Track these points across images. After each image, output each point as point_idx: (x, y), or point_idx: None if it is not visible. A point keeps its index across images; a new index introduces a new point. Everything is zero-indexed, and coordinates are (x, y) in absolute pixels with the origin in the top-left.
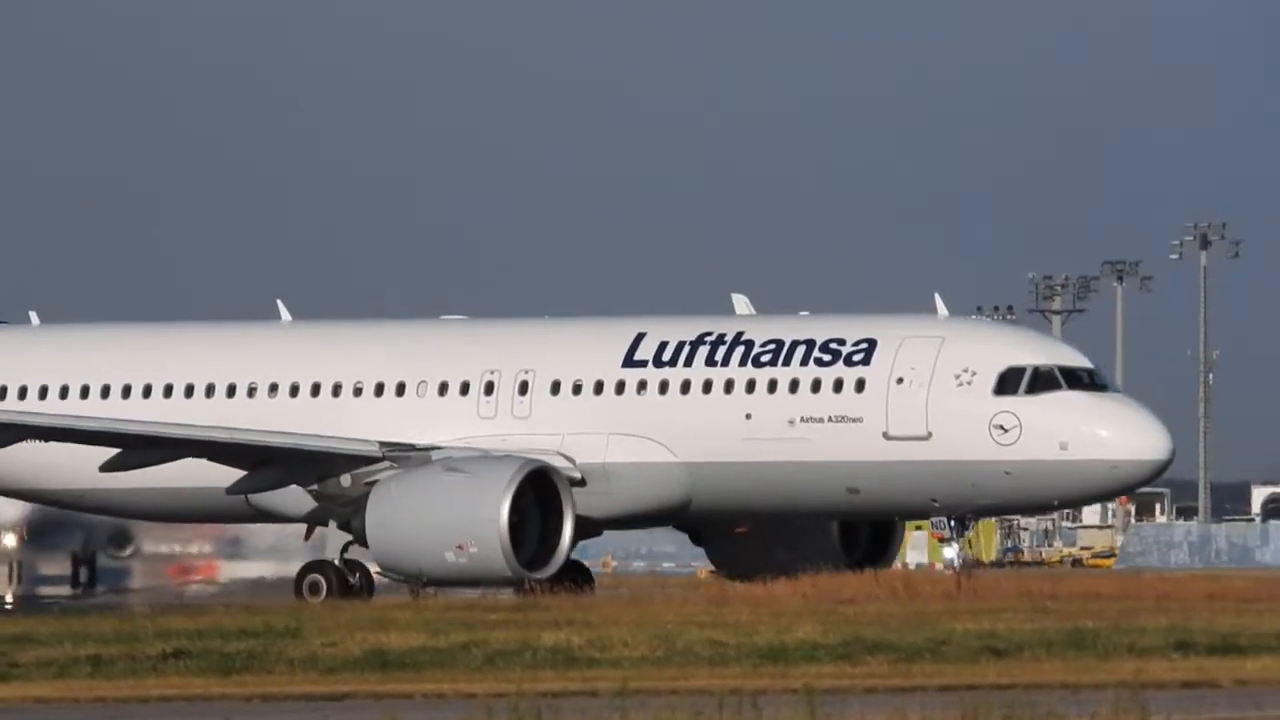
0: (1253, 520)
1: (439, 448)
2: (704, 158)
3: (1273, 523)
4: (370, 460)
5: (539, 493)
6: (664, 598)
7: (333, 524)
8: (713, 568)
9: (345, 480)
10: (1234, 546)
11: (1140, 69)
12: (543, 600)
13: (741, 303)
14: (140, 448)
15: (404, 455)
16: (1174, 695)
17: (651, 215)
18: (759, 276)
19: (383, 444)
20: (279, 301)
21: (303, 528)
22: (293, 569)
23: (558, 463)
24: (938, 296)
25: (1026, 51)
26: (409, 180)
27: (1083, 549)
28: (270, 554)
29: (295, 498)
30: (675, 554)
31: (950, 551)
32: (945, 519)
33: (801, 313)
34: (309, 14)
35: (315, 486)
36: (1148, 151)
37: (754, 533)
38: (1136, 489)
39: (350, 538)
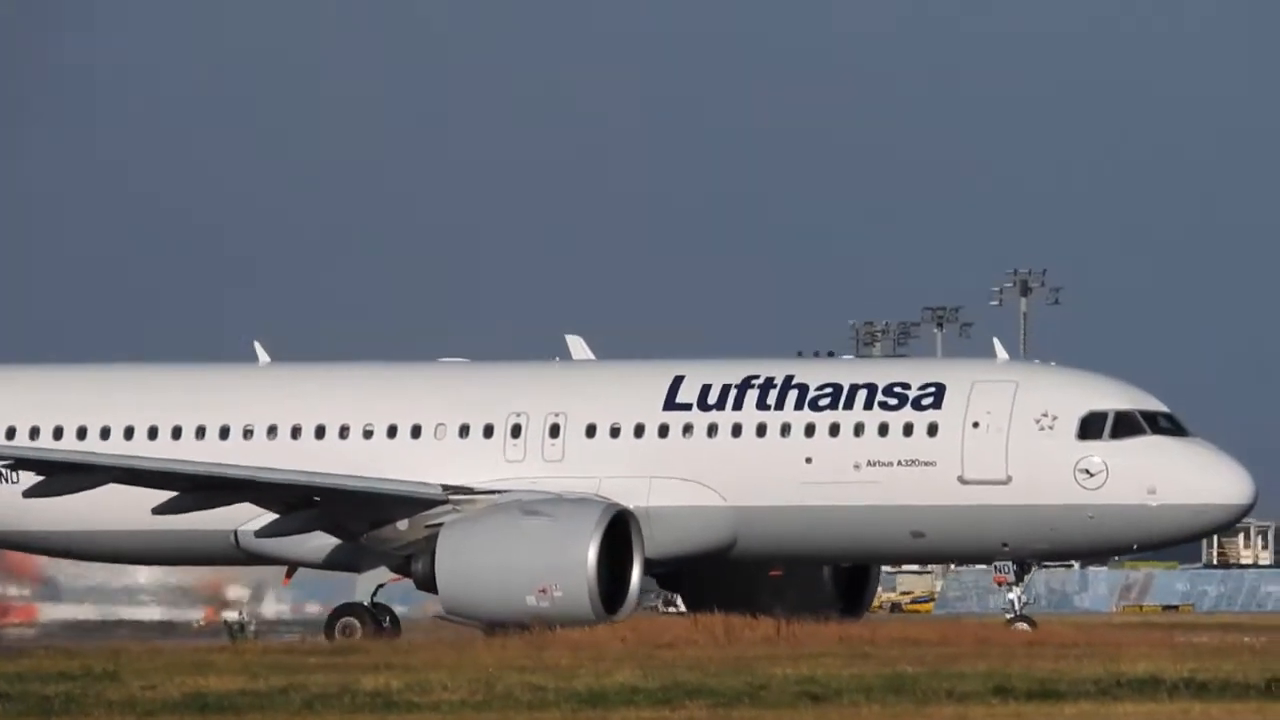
0: (1071, 566)
1: (504, 491)
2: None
3: (1091, 569)
4: (432, 503)
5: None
6: (484, 642)
7: (370, 568)
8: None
9: (403, 524)
10: (1053, 592)
11: (959, 116)
12: (362, 644)
13: (577, 344)
14: (200, 489)
15: (468, 499)
16: None
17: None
18: (591, 319)
19: (446, 487)
20: (256, 344)
21: (137, 570)
22: (115, 612)
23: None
24: (996, 341)
25: (843, 98)
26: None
27: (902, 594)
28: (89, 595)
29: (317, 541)
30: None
31: (1013, 595)
32: (1009, 563)
33: (845, 356)
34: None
35: (367, 529)
36: (968, 199)
37: (742, 575)
38: (1220, 531)
39: (383, 581)
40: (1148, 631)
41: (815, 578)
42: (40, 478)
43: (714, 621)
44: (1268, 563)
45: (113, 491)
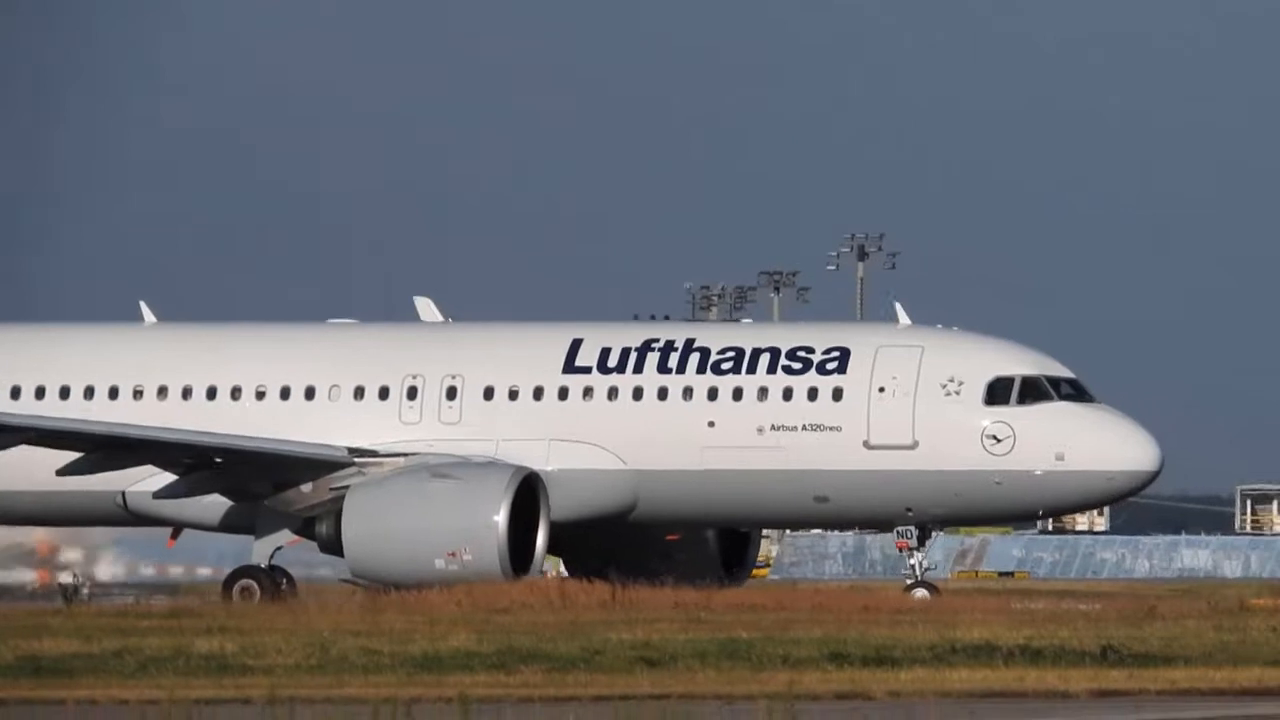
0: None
1: (411, 454)
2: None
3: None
4: (338, 466)
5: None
6: (319, 605)
7: (266, 530)
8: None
9: (307, 487)
10: (888, 558)
11: (796, 81)
12: (198, 607)
13: (426, 306)
14: (105, 449)
15: (374, 462)
16: (827, 707)
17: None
18: (442, 282)
19: (351, 450)
20: (142, 303)
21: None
22: None
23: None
24: (898, 305)
25: (679, 63)
26: None
27: None
28: None
29: (209, 503)
30: (332, 561)
31: (914, 560)
32: (910, 529)
33: (744, 320)
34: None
35: (270, 491)
36: (804, 163)
37: (622, 539)
38: (1126, 499)
39: (279, 545)
40: (983, 598)
41: (701, 542)
42: None
43: (549, 585)
44: (1103, 529)
45: None
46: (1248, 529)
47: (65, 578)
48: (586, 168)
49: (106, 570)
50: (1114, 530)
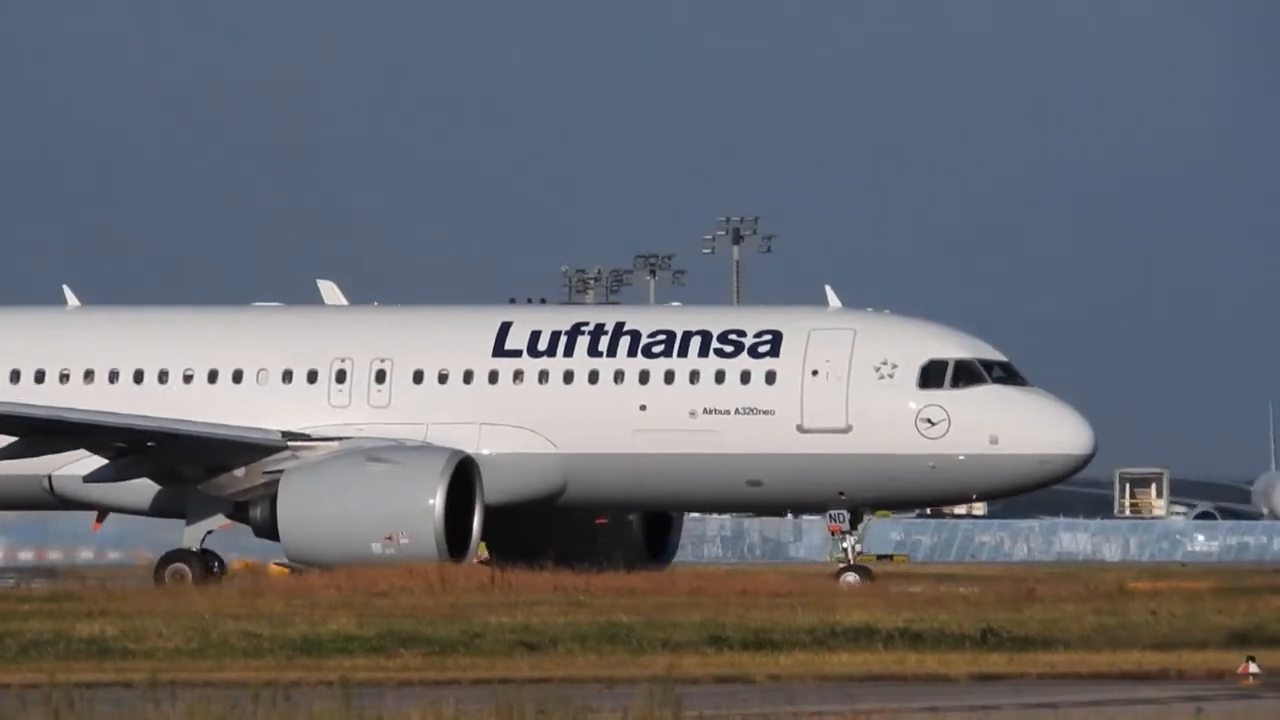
0: (785, 515)
1: (345, 438)
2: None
3: (805, 518)
4: (272, 450)
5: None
6: (198, 589)
7: (198, 514)
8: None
9: (240, 471)
10: (767, 541)
11: (672, 63)
12: (77, 590)
13: (330, 290)
14: (39, 433)
15: (307, 446)
16: (707, 690)
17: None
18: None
19: (285, 434)
20: (65, 287)
21: None
22: None
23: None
24: (829, 288)
25: (557, 43)
26: None
27: None
28: None
29: (138, 487)
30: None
31: (846, 544)
32: (843, 512)
33: (673, 303)
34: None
35: (203, 475)
36: (680, 145)
37: (549, 523)
38: (1059, 483)
39: (210, 529)
40: (862, 581)
41: (625, 525)
42: None
43: (428, 569)
44: (981, 513)
45: None
46: (1127, 512)
47: None
48: (459, 149)
49: None
50: (992, 514)
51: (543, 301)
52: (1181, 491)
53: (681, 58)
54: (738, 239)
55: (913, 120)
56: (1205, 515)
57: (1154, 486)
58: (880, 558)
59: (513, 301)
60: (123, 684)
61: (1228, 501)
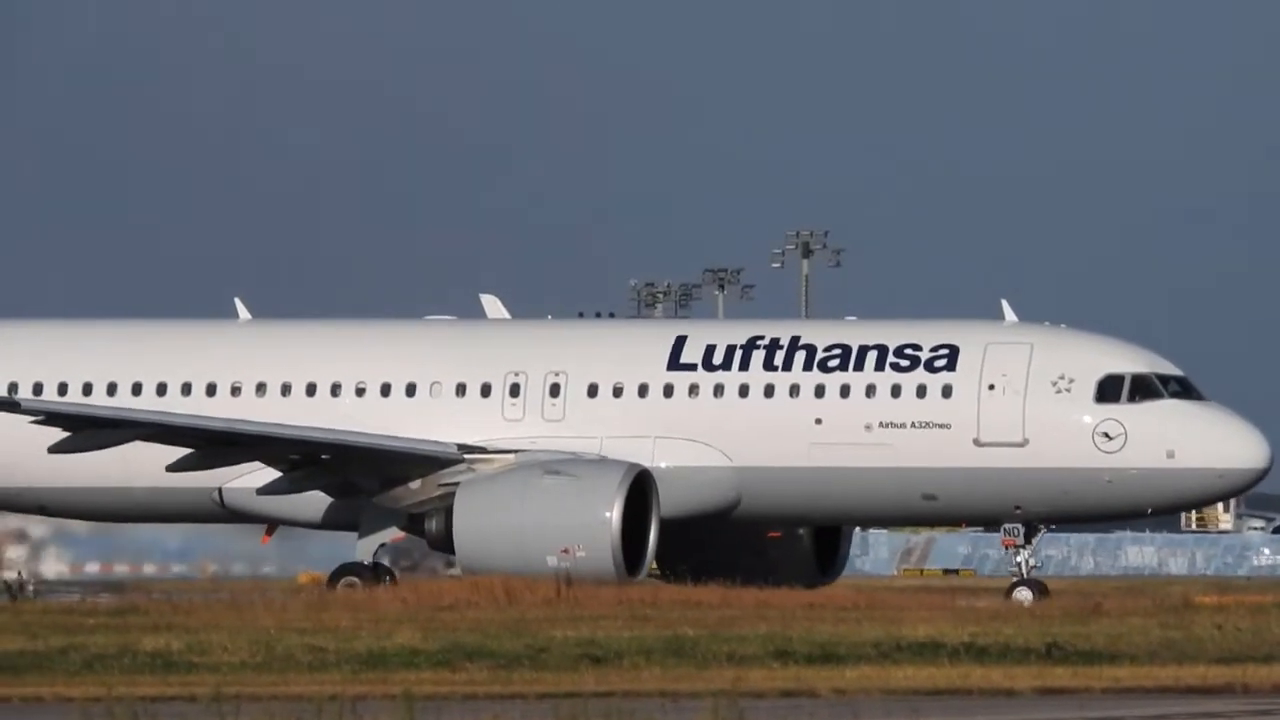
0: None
1: (520, 450)
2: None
3: (873, 531)
4: (448, 462)
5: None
6: (264, 602)
7: (370, 527)
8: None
9: (416, 483)
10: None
11: (741, 77)
12: (142, 604)
13: (492, 303)
14: (217, 445)
15: (483, 459)
16: (772, 704)
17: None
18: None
19: (461, 446)
20: (236, 300)
21: None
22: None
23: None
24: (1005, 302)
25: (623, 55)
26: None
27: None
28: None
29: (310, 499)
30: (276, 557)
31: (1021, 558)
32: (1018, 526)
33: (848, 318)
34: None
35: (378, 488)
36: (750, 159)
37: (719, 538)
38: (1236, 495)
39: (383, 541)
40: (928, 595)
41: (795, 540)
42: (67, 433)
43: (493, 583)
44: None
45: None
46: (1193, 526)
47: (9, 574)
48: (529, 164)
49: (51, 568)
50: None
51: (611, 315)
52: (1259, 505)
53: (751, 70)
54: (807, 253)
55: (989, 130)
56: None
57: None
58: (947, 572)
59: (581, 316)
60: (186, 698)
61: None
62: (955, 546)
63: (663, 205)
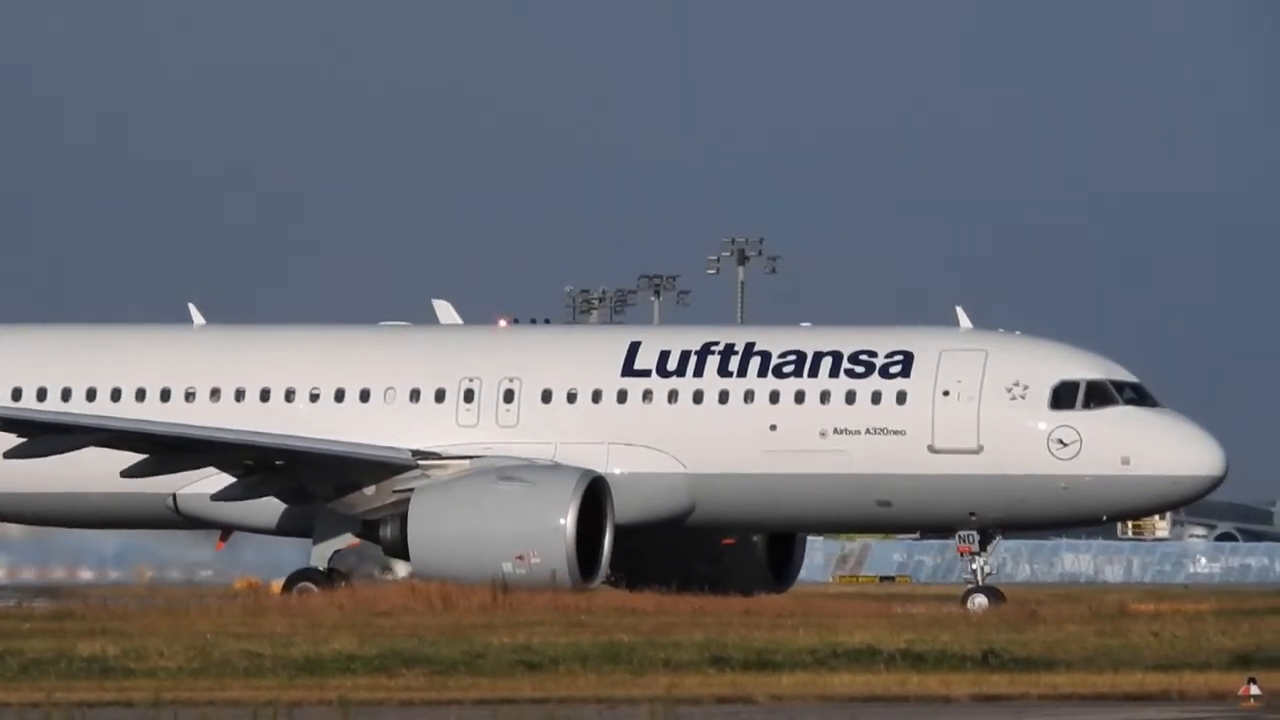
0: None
1: (475, 456)
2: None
3: (810, 538)
4: (402, 468)
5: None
6: (200, 608)
7: (324, 533)
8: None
9: (370, 489)
10: None
11: (677, 83)
12: (79, 609)
13: (444, 309)
14: (171, 450)
15: (438, 465)
16: (708, 710)
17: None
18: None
19: (415, 452)
20: (191, 305)
21: None
22: None
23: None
24: (960, 309)
25: (555, 63)
26: None
27: None
28: None
29: (265, 505)
30: (212, 563)
31: (976, 565)
32: (972, 533)
33: (803, 324)
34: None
35: (332, 494)
36: (685, 165)
37: (670, 544)
38: (1191, 503)
39: (338, 547)
40: (864, 602)
41: (749, 547)
42: (21, 439)
43: (430, 589)
44: None
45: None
46: (1129, 533)
47: None
48: (463, 167)
49: None
50: None
51: (546, 321)
52: (1198, 512)
53: (687, 77)
54: (742, 260)
55: (916, 140)
56: (1226, 536)
57: None
58: (883, 579)
59: (516, 322)
60: (123, 703)
61: (1249, 523)
62: (890, 553)
63: (597, 211)
